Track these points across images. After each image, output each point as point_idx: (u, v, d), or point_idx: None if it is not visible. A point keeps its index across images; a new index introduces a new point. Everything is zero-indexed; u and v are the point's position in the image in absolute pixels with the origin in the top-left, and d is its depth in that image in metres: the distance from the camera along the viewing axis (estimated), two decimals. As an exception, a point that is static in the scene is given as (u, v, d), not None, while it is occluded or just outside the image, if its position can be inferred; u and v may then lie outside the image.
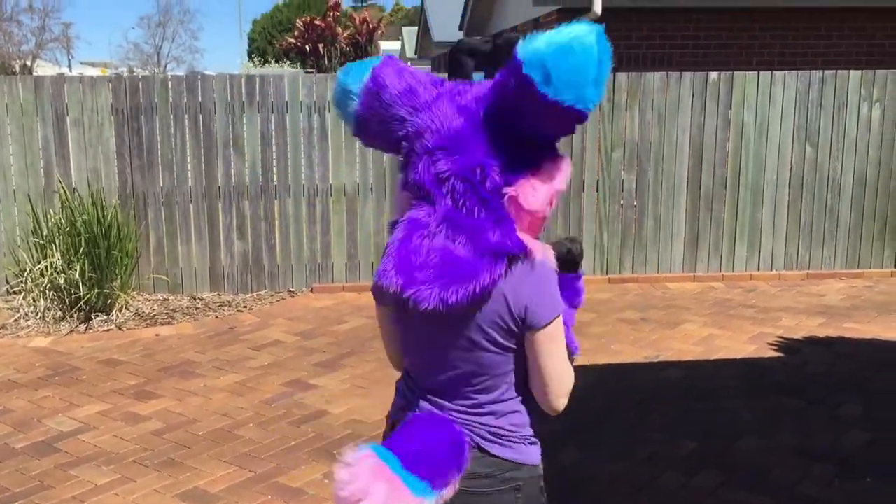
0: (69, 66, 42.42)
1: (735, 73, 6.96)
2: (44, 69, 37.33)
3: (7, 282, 6.27)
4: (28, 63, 38.24)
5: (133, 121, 6.35)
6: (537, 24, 10.73)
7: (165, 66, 44.18)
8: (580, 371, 5.07)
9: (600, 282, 6.92)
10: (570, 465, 3.76)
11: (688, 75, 6.90)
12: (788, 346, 5.35)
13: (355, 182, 6.66)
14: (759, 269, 7.13)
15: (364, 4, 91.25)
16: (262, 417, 4.29)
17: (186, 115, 6.41)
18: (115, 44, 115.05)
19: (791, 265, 7.17)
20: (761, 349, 5.29)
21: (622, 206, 6.96)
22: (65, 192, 6.14)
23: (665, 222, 7.00)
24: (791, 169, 7.06)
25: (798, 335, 5.58)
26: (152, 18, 45.31)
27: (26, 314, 5.92)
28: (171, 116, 6.38)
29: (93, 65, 45.88)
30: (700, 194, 7.01)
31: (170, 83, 6.43)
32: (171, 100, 6.37)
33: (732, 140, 6.97)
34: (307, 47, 12.56)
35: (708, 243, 7.07)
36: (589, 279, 6.85)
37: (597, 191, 6.90)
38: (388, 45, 47.10)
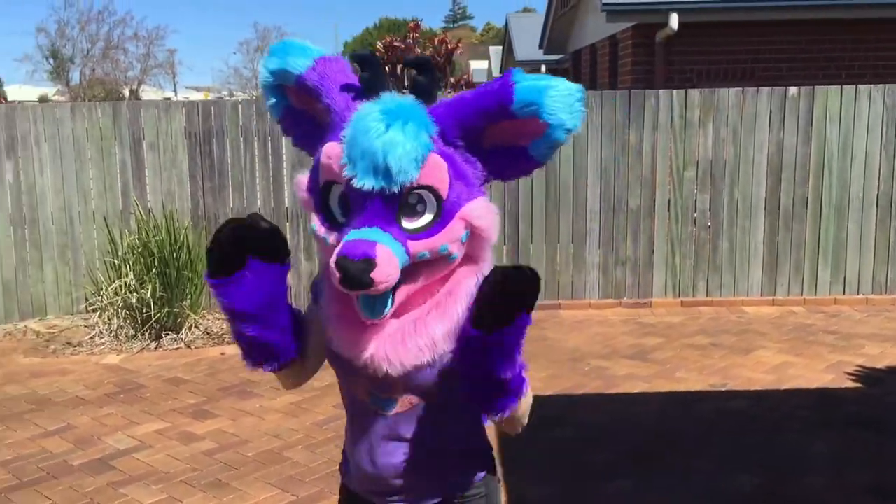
0: (174, 91, 44.26)
1: (816, 87, 6.65)
2: (148, 94, 39.11)
3: (86, 299, 6.51)
4: (134, 88, 40.14)
5: (205, 144, 6.53)
6: (613, 41, 10.56)
7: (263, 89, 45.57)
8: (639, 398, 4.80)
9: (671, 304, 6.69)
10: (619, 496, 3.61)
11: (765, 90, 6.62)
12: (869, 376, 5.03)
13: (421, 203, 6.64)
14: (844, 293, 6.76)
15: (455, 25, 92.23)
16: (311, 440, 4.29)
17: (256, 138, 6.54)
18: (217, 69, 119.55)
19: (879, 289, 6.76)
20: (838, 378, 4.99)
21: (695, 226, 6.72)
22: (140, 214, 6.34)
23: (741, 243, 6.72)
24: (879, 187, 6.68)
25: (881, 364, 5.24)
26: (251, 43, 46.74)
27: (101, 332, 6.12)
28: (241, 139, 6.53)
29: (197, 89, 47.73)
30: (779, 214, 6.70)
31: (240, 107, 6.59)
32: (241, 123, 6.52)
33: (814, 157, 6.65)
34: (387, 68, 12.72)
35: (788, 266, 6.75)
36: (660, 302, 6.66)
37: (668, 211, 6.69)
38: (477, 65, 47.31)
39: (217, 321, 6.49)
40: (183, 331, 6.12)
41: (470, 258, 1.56)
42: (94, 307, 6.32)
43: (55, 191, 6.52)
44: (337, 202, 1.53)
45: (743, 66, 9.28)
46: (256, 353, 1.62)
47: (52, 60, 36.38)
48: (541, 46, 15.59)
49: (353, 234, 1.44)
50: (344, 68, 1.60)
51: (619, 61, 10.36)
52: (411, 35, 12.85)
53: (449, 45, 12.96)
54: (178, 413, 4.72)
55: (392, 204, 1.46)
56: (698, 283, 6.76)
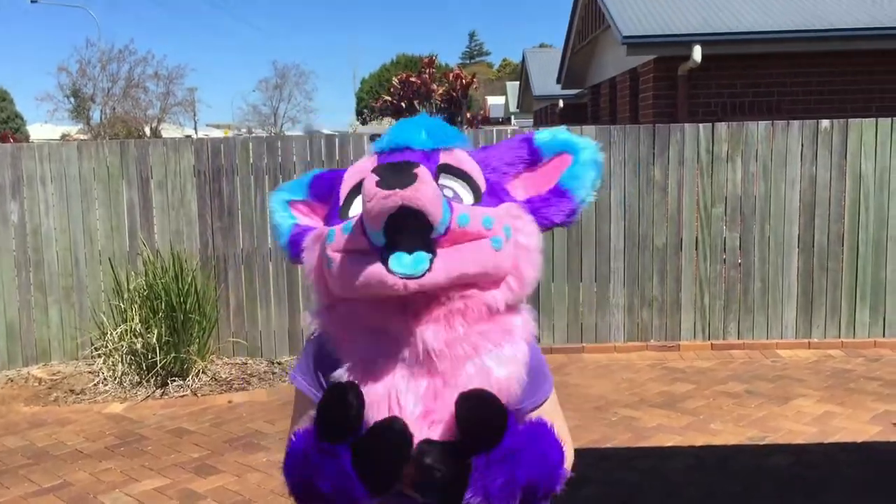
0: (195, 129, 44.56)
1: (850, 120, 6.37)
2: (169, 132, 39.31)
3: (91, 344, 6.28)
4: (154, 126, 40.40)
5: (214, 182, 6.32)
6: (634, 74, 10.35)
7: (281, 126, 45.81)
8: (671, 453, 4.42)
9: (701, 347, 6.37)
10: (655, 569, 3.29)
11: (795, 124, 6.35)
12: (919, 428, 4.68)
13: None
14: (884, 336, 6.40)
15: (473, 61, 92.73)
16: (320, 499, 3.99)
17: (266, 176, 6.33)
18: (236, 106, 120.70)
19: (922, 331, 6.41)
20: (887, 431, 4.64)
21: (725, 265, 6.42)
22: (148, 256, 6.12)
23: (774, 283, 6.41)
24: (918, 223, 6.36)
25: (931, 414, 4.89)
26: (270, 81, 47.09)
27: (105, 379, 5.88)
28: (252, 177, 6.32)
29: (217, 126, 48.08)
30: (814, 252, 6.39)
31: (250, 144, 6.39)
32: (251, 161, 6.31)
33: (849, 193, 6.35)
34: (403, 104, 12.59)
35: (824, 307, 6.42)
36: (689, 345, 6.35)
37: (696, 249, 6.39)
38: (494, 100, 47.40)
39: (226, 366, 6.25)
40: (190, 377, 5.87)
41: (511, 289, 1.39)
42: (98, 352, 6.09)
43: (61, 231, 6.33)
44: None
45: (769, 100, 9.03)
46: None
47: (72, 99, 36.67)
48: (558, 81, 15.42)
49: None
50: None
51: (639, 95, 10.13)
52: (427, 70, 12.72)
53: (464, 80, 12.82)
54: (179, 468, 4.44)
55: (430, 165, 1.37)
56: (729, 324, 6.44)
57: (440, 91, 11.73)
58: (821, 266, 6.40)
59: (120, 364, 5.86)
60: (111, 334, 5.91)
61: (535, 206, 1.45)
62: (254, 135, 31.46)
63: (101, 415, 5.36)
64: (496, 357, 1.33)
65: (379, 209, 1.24)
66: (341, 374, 1.35)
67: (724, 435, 4.65)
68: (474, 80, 13.18)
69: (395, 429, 1.25)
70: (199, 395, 5.70)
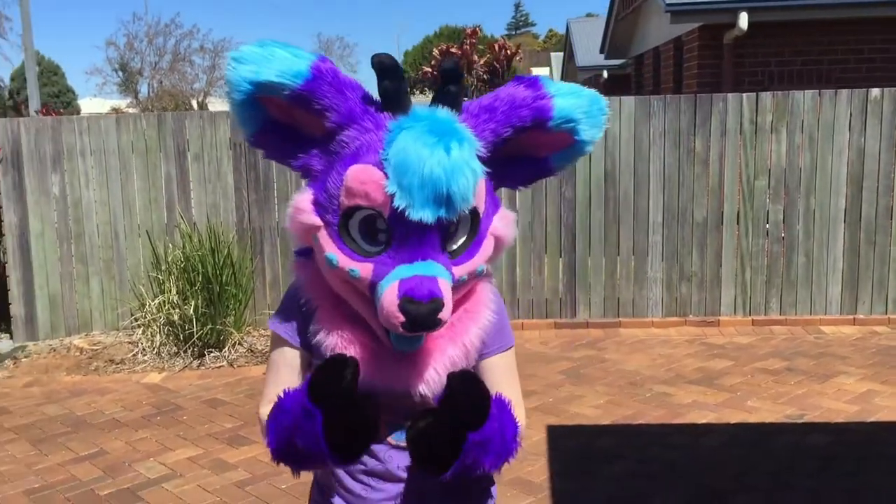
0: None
1: (901, 88, 6.13)
2: (216, 105, 39.63)
3: (131, 314, 6.37)
4: (200, 100, 40.73)
5: (250, 155, 6.33)
6: (678, 43, 10.10)
7: (325, 99, 45.81)
8: (706, 430, 4.33)
9: (741, 323, 6.23)
10: (683, 549, 3.23)
11: (844, 93, 6.13)
12: (967, 408, 4.52)
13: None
14: (933, 312, 6.21)
15: (518, 32, 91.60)
16: (349, 472, 4.00)
17: (302, 149, 6.31)
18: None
19: (973, 307, 6.19)
20: (932, 411, 4.50)
21: (768, 239, 6.26)
22: (185, 228, 6.17)
23: (819, 258, 6.23)
24: (972, 196, 6.12)
25: (980, 394, 4.72)
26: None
27: (144, 349, 5.97)
28: (287, 150, 6.30)
29: (264, 99, 48.29)
30: (860, 226, 6.20)
31: (286, 117, 6.37)
32: (286, 133, 6.30)
33: (899, 164, 6.13)
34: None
35: (870, 282, 6.23)
36: (729, 320, 6.22)
37: (737, 223, 6.24)
38: (538, 71, 46.92)
39: (262, 338, 6.29)
40: (226, 348, 5.93)
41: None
42: (138, 323, 6.18)
43: (101, 204, 6.41)
44: (358, 228, 1.34)
45: (818, 68, 8.73)
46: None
47: (121, 73, 37.14)
48: (602, 51, 15.13)
49: (408, 270, 1.31)
50: (339, 73, 1.38)
51: (684, 64, 9.89)
52: (468, 41, 12.58)
53: (508, 51, 12.64)
54: (213, 438, 4.49)
55: (442, 232, 1.35)
56: (771, 300, 6.29)
57: (482, 61, 11.58)
58: (868, 240, 6.20)
59: (158, 335, 5.94)
60: (149, 305, 5.99)
61: (514, 175, 1.51)
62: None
63: (140, 384, 5.45)
64: (462, 324, 1.47)
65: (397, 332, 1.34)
66: (323, 339, 1.46)
67: (760, 413, 4.55)
68: (518, 50, 12.99)
69: (364, 405, 1.32)
70: (234, 366, 5.75)
